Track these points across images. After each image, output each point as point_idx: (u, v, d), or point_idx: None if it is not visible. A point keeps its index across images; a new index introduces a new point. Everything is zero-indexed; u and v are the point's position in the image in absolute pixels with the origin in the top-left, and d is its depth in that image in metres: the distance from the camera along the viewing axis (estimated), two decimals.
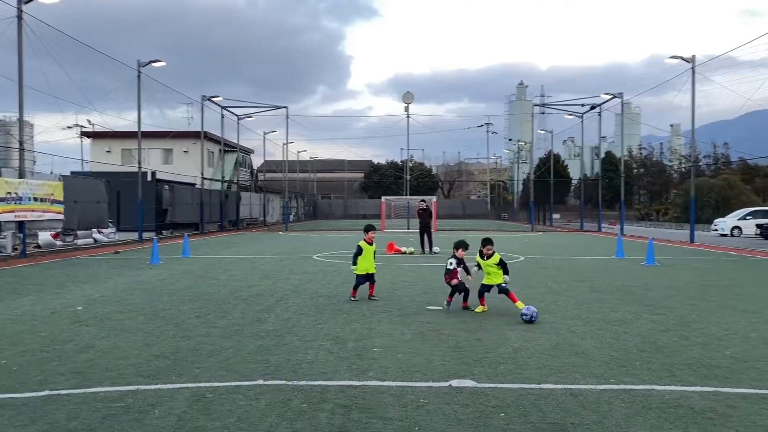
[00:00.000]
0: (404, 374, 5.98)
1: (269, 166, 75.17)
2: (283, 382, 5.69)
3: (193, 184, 39.78)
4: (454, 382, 5.68)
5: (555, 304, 10.34)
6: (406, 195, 57.17)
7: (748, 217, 39.51)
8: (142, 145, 31.01)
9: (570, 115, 48.53)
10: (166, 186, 35.36)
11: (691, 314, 9.44)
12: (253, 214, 52.47)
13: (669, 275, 14.85)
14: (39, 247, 22.74)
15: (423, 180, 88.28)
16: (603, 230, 43.10)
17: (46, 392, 5.39)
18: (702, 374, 6.03)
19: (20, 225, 20.39)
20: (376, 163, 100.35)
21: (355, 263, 10.72)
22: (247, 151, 61.52)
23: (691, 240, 29.82)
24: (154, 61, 30.15)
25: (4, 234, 20.31)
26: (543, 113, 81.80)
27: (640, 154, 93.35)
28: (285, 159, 52.73)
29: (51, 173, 26.90)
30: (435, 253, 21.19)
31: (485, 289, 9.67)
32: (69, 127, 55.24)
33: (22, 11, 19.85)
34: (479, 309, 9.58)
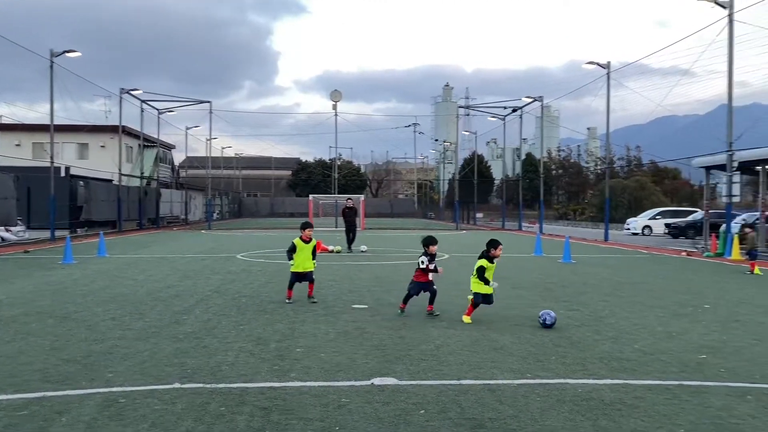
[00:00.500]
0: (326, 374, 5.94)
1: (192, 162, 73.16)
2: (201, 385, 5.54)
3: (111, 181, 38.18)
4: (377, 381, 5.70)
5: None
6: (334, 193, 57.01)
7: (657, 217, 41.91)
8: (56, 139, 29.41)
9: (493, 117, 49.80)
10: (81, 182, 33.75)
11: (603, 309, 9.87)
12: (175, 212, 50.92)
13: (584, 272, 15.49)
14: None
15: (351, 178, 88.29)
16: (523, 229, 44.49)
17: None
18: (612, 367, 6.31)
19: None
20: (303, 160, 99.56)
21: (290, 258, 10.37)
22: (169, 147, 59.62)
23: (606, 238, 31.23)
24: (68, 51, 28.68)
25: None
26: (468, 115, 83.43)
27: (559, 155, 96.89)
28: (208, 155, 51.43)
29: None
30: (363, 251, 21.23)
31: (488, 300, 8.63)
32: None
33: None
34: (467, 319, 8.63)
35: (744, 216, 31.02)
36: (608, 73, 31.45)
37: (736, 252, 20.25)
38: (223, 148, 76.93)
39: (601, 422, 4.68)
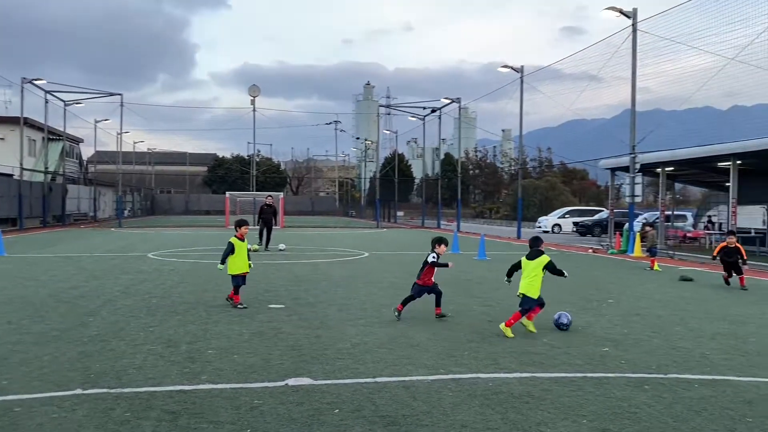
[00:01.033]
0: (239, 375, 5.81)
1: (101, 157, 69.75)
2: (106, 390, 5.29)
3: (11, 175, 35.82)
4: (291, 381, 5.63)
5: (395, 298, 10.59)
6: (252, 191, 55.96)
7: (566, 216, 43.98)
8: None
9: (413, 117, 50.46)
10: None
11: (516, 305, 10.17)
12: (82, 209, 48.48)
13: (498, 269, 15.93)
14: None
15: (270, 176, 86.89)
16: (442, 227, 45.33)
17: None
18: (522, 361, 6.52)
19: None
20: (220, 156, 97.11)
21: (223, 262, 9.58)
22: (76, 140, 56.67)
23: (518, 236, 32.32)
24: None
25: None
26: (389, 114, 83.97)
27: (476, 156, 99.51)
28: (119, 150, 49.27)
29: None
30: (281, 250, 20.94)
31: (533, 303, 8.00)
32: None
33: None
34: (530, 326, 8.00)
35: (645, 215, 33.01)
36: (522, 77, 32.52)
37: (638, 249, 21.45)
38: (135, 142, 74.06)
39: (509, 415, 4.82)
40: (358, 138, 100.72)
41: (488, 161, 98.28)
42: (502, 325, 7.85)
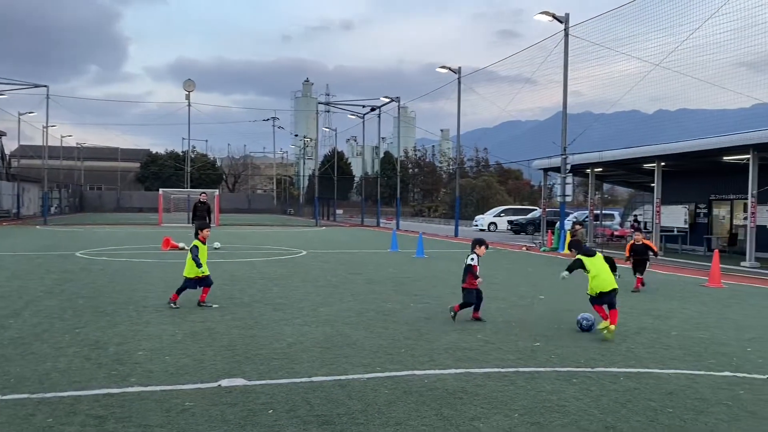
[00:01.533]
0: (171, 377, 5.66)
1: (26, 151, 66.49)
2: (26, 395, 5.04)
3: None
4: (224, 382, 5.52)
5: (332, 297, 10.61)
6: (186, 188, 54.58)
7: (502, 215, 45.04)
8: None
9: (353, 115, 50.44)
10: None
11: (452, 302, 10.32)
12: (5, 206, 46.13)
13: (435, 267, 16.14)
14: None
15: (206, 172, 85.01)
16: (381, 225, 45.53)
17: None
18: (457, 357, 6.61)
19: None
20: (154, 152, 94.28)
21: (200, 265, 9.30)
22: None
23: (456, 234, 32.82)
24: None
25: None
26: (328, 111, 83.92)
27: (415, 155, 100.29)
28: (45, 144, 47.06)
29: None
30: (216, 248, 20.51)
31: (607, 298, 7.97)
32: None
33: None
34: (610, 327, 7.69)
35: (576, 214, 34.15)
36: (459, 78, 33.02)
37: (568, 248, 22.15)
38: (62, 136, 71.03)
39: (444, 411, 4.88)
40: (296, 135, 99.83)
41: (427, 160, 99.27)
42: (611, 329, 7.63)
